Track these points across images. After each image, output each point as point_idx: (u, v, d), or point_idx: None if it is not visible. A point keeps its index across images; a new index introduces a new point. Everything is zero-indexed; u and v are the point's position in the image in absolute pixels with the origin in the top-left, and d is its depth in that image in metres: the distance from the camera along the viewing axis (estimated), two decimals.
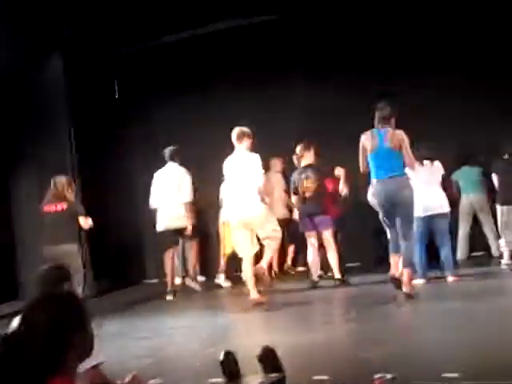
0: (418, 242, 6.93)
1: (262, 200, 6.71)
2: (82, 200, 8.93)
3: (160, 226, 8.11)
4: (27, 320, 2.04)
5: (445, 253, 7.08)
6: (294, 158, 7.84)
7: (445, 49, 8.78)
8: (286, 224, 8.55)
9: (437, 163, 7.19)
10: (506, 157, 7.73)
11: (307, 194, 7.64)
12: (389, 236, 6.50)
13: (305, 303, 6.73)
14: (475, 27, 8.60)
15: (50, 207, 7.16)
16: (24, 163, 9.37)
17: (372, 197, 6.85)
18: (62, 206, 7.10)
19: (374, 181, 6.22)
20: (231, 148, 6.88)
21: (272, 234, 6.69)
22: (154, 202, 8.22)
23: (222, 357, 2.83)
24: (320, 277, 7.74)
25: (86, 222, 7.13)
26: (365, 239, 8.92)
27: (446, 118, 8.47)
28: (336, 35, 9.21)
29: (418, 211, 6.70)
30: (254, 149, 6.83)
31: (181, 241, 8.47)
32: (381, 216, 6.30)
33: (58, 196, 7.18)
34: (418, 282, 6.83)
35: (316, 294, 7.32)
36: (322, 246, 7.78)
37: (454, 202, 7.67)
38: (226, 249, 8.52)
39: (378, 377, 3.41)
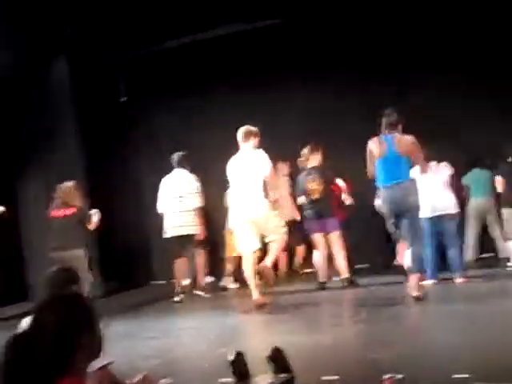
0: (428, 243, 6.93)
1: (267, 195, 6.67)
2: (90, 203, 8.98)
3: (167, 233, 8.08)
4: (36, 321, 2.05)
5: (452, 254, 7.06)
6: (300, 160, 7.83)
7: (445, 49, 8.77)
8: (294, 226, 8.55)
9: (443, 164, 7.17)
10: (511, 160, 7.69)
11: (314, 197, 7.62)
12: (390, 228, 6.46)
13: (313, 304, 6.72)
14: (476, 27, 8.58)
15: (57, 212, 7.19)
16: (30, 166, 9.41)
17: (380, 203, 6.82)
18: (69, 211, 7.12)
19: (381, 187, 6.21)
20: (234, 151, 6.84)
21: (276, 234, 6.65)
22: (160, 207, 8.18)
23: (231, 357, 2.82)
24: (328, 278, 7.72)
25: (92, 223, 7.17)
26: (373, 241, 8.90)
27: (445, 118, 8.45)
28: (335, 37, 9.21)
29: (426, 212, 6.69)
30: (260, 149, 6.78)
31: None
32: (388, 222, 6.27)
33: (65, 201, 7.19)
34: (428, 282, 6.83)
35: (324, 295, 7.31)
36: (329, 248, 7.78)
37: (462, 204, 7.65)
38: (231, 252, 8.51)
39: (387, 377, 3.40)
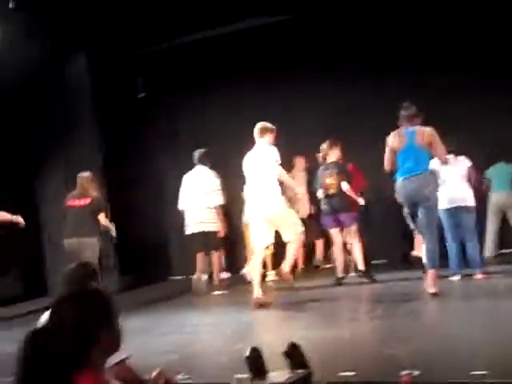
0: (448, 237, 6.97)
1: (283, 193, 6.66)
2: (109, 198, 9.06)
3: (189, 230, 8.16)
4: (55, 316, 2.06)
5: (470, 249, 7.01)
6: (319, 155, 7.83)
7: (462, 42, 8.68)
8: (312, 220, 8.58)
9: (461, 157, 7.13)
10: None
11: (330, 191, 7.63)
12: (411, 225, 6.47)
13: (330, 300, 6.72)
14: (492, 24, 8.50)
15: (73, 202, 7.29)
16: (50, 162, 9.50)
17: (397, 194, 6.81)
18: (84, 201, 7.23)
19: (399, 179, 6.19)
20: (253, 146, 6.86)
21: (293, 234, 6.62)
22: (182, 204, 8.25)
23: (248, 353, 2.83)
24: (347, 273, 7.72)
25: (105, 220, 7.22)
26: (391, 236, 8.87)
27: (464, 112, 8.38)
28: (351, 32, 9.18)
29: (443, 203, 6.67)
30: (277, 146, 6.77)
31: None
32: (405, 212, 6.28)
33: (81, 191, 7.29)
34: (454, 278, 6.87)
35: (341, 290, 7.29)
36: (346, 243, 7.79)
37: (481, 197, 7.58)
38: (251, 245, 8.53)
39: (405, 373, 3.38)
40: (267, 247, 6.78)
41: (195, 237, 8.10)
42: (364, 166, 8.33)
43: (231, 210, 9.18)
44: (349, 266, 7.89)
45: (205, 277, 8.27)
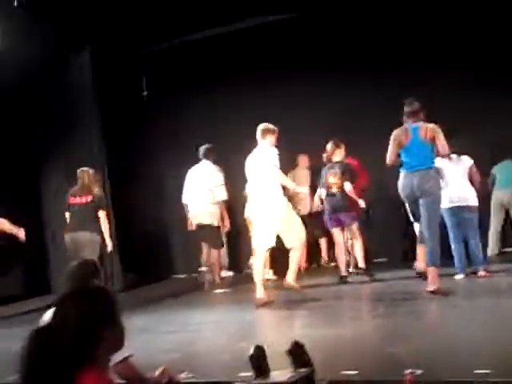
0: (451, 236, 6.99)
1: (283, 195, 6.64)
2: (110, 197, 9.08)
3: (192, 225, 8.28)
4: (58, 314, 2.07)
5: (472, 247, 7.03)
6: (324, 155, 7.84)
7: (464, 40, 8.66)
8: (314, 218, 8.60)
9: (464, 157, 7.13)
10: None
11: (332, 190, 7.64)
12: (416, 229, 6.48)
13: (333, 298, 6.72)
14: (493, 23, 8.48)
15: (74, 199, 7.30)
16: (53, 160, 9.50)
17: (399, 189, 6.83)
18: (86, 198, 7.24)
19: (402, 174, 6.21)
20: (256, 144, 6.85)
21: (295, 239, 6.58)
22: (185, 198, 8.31)
23: (251, 351, 2.83)
24: (349, 272, 7.73)
25: (105, 218, 7.23)
26: (392, 235, 8.89)
27: (466, 112, 8.36)
28: (355, 31, 9.16)
29: (445, 203, 6.67)
30: (279, 145, 6.77)
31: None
32: (408, 208, 6.31)
33: (83, 188, 7.30)
34: (458, 277, 6.89)
35: (344, 289, 7.30)
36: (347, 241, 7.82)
37: (484, 195, 7.56)
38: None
39: (407, 372, 3.39)
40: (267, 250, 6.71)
41: (198, 230, 8.21)
42: (365, 165, 8.33)
43: (233, 209, 9.18)
44: (348, 262, 7.91)
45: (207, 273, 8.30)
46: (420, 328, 4.99)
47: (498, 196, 8.19)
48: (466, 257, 7.09)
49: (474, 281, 6.82)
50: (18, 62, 8.02)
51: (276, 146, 6.70)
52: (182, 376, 3.78)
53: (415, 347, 4.15)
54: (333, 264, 8.80)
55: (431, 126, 6.04)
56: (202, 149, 8.31)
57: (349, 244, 7.90)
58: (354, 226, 7.67)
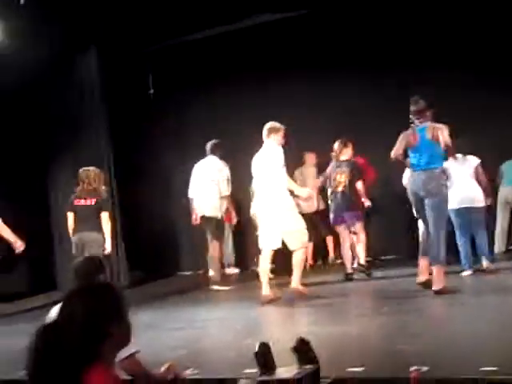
0: (458, 235, 6.99)
1: (290, 195, 6.62)
2: (118, 193, 9.11)
3: (197, 219, 8.29)
4: (65, 310, 2.08)
5: (478, 239, 7.06)
6: (332, 154, 7.85)
7: (468, 40, 8.61)
8: (321, 216, 8.60)
9: (470, 157, 7.11)
10: None
11: (339, 189, 7.65)
12: (420, 233, 6.48)
13: (338, 296, 6.72)
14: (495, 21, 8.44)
15: (79, 201, 7.30)
16: (60, 159, 9.52)
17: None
18: (91, 200, 7.23)
19: (409, 173, 6.25)
20: (262, 142, 6.83)
21: (298, 242, 6.52)
22: (191, 192, 8.36)
23: (256, 348, 2.83)
24: (354, 269, 7.73)
25: (107, 220, 7.22)
26: (399, 232, 8.86)
27: (471, 112, 8.33)
28: (363, 31, 9.13)
29: (453, 203, 6.65)
30: (285, 144, 6.74)
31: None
32: (413, 207, 6.33)
33: (88, 190, 7.29)
34: (465, 274, 6.89)
35: (350, 286, 7.30)
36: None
37: (492, 195, 7.54)
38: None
39: (413, 369, 3.38)
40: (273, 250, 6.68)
41: (203, 223, 8.23)
42: (372, 163, 8.32)
43: (239, 206, 9.19)
44: (353, 260, 7.93)
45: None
46: (426, 325, 4.99)
47: (503, 193, 8.17)
48: (472, 254, 7.08)
49: (481, 278, 6.81)
50: (25, 62, 8.02)
51: (283, 145, 6.68)
52: (188, 372, 3.79)
53: (421, 344, 4.14)
54: (338, 261, 8.80)
55: (438, 125, 6.02)
56: (209, 144, 8.33)
57: (354, 240, 7.90)
58: (359, 225, 7.67)
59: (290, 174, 7.22)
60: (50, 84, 9.30)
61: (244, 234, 9.52)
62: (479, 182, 7.09)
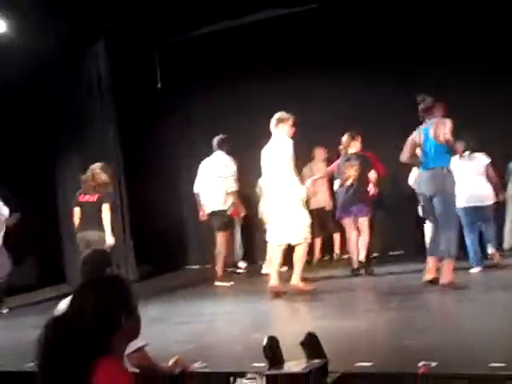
0: (467, 233, 6.96)
1: (299, 185, 6.59)
2: (126, 189, 9.13)
3: (204, 215, 8.29)
4: (75, 303, 2.09)
5: (487, 230, 7.08)
6: (340, 147, 7.83)
7: (479, 35, 8.55)
8: (330, 211, 8.59)
9: (478, 154, 7.08)
10: None
11: (348, 182, 7.63)
12: (427, 231, 6.47)
13: (346, 290, 6.71)
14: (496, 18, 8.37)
15: (83, 198, 7.32)
16: (68, 154, 9.53)
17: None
18: (93, 197, 7.25)
19: (418, 172, 6.31)
20: (270, 136, 6.81)
21: (300, 236, 6.50)
22: (197, 187, 8.35)
23: (265, 342, 2.84)
24: (361, 263, 7.71)
25: (107, 211, 7.21)
26: (408, 227, 8.83)
27: (480, 108, 8.27)
28: (372, 25, 9.05)
29: (461, 202, 6.63)
30: (294, 135, 6.72)
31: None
32: (420, 205, 6.33)
33: (92, 185, 7.30)
34: (474, 270, 6.87)
35: (357, 281, 7.29)
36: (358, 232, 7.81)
37: (501, 188, 7.50)
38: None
39: (422, 364, 3.38)
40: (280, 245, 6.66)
41: (211, 218, 8.22)
42: (381, 158, 8.29)
43: (246, 201, 9.18)
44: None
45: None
46: (434, 321, 4.98)
47: (510, 189, 8.14)
48: (481, 251, 7.07)
49: (490, 274, 6.78)
50: (32, 56, 8.02)
51: (292, 135, 6.64)
52: (196, 366, 3.80)
53: (430, 339, 4.14)
54: (345, 256, 8.79)
55: (442, 120, 5.97)
56: (216, 139, 8.31)
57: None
58: (365, 220, 7.65)
59: (299, 170, 7.21)
60: (57, 78, 9.30)
61: (252, 229, 9.53)
62: (490, 180, 7.06)
